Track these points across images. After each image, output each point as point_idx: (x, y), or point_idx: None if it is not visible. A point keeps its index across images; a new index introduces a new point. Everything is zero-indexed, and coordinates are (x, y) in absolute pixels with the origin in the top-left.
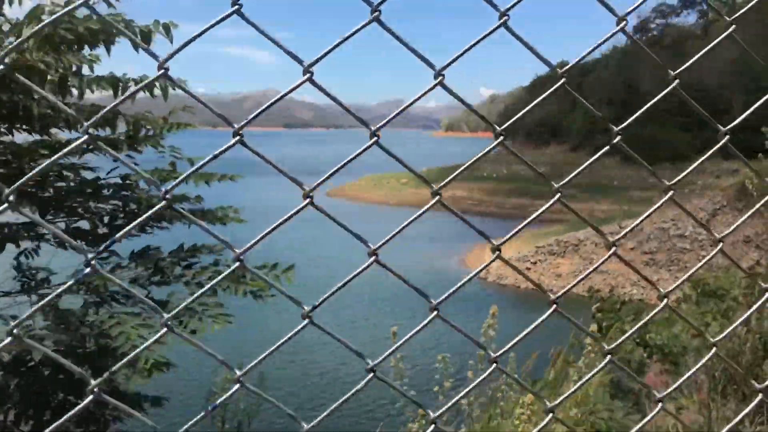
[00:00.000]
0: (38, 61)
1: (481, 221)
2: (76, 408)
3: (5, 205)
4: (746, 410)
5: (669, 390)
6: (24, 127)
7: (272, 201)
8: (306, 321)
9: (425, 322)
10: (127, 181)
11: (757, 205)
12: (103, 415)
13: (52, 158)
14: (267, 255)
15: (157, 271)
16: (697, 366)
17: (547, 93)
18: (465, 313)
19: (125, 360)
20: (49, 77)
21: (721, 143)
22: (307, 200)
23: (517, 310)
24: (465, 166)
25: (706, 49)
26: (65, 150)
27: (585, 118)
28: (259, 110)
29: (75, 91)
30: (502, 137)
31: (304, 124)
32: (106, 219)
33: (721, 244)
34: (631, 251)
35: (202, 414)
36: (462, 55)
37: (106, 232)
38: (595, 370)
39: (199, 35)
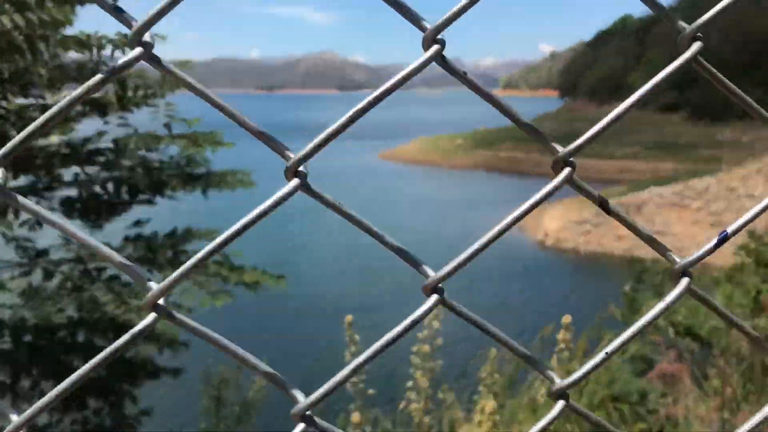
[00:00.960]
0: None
1: (541, 183)
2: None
3: None
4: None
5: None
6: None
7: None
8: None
9: None
10: (120, 145)
11: None
12: (121, 390)
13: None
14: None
15: (148, 254)
16: None
17: None
18: (524, 280)
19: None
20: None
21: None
22: None
23: (576, 276)
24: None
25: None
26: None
27: (649, 75)
28: None
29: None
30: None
31: (357, 85)
32: (110, 187)
33: None
34: (698, 212)
35: None
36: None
37: (109, 201)
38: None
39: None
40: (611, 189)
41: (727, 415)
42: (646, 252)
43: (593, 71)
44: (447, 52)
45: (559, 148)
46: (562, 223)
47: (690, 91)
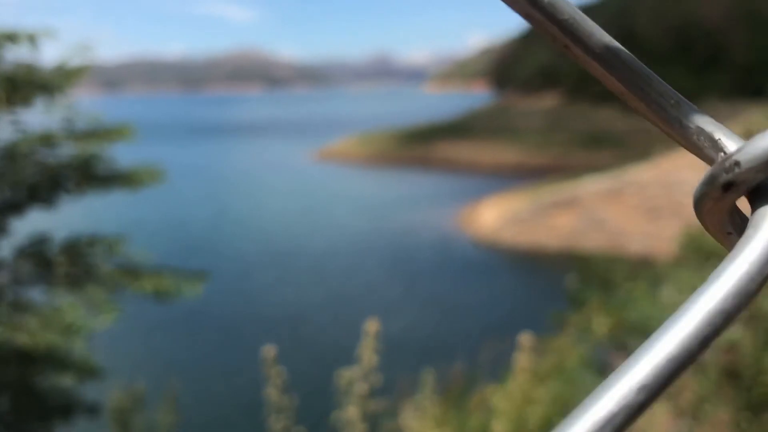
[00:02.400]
0: None
1: (475, 178)
2: None
3: None
4: None
5: None
6: None
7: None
8: None
9: None
10: (10, 152)
11: None
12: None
13: None
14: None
15: (42, 268)
16: None
17: None
18: (458, 275)
19: None
20: None
21: None
22: None
23: (514, 273)
24: None
25: None
26: None
27: (581, 67)
28: None
29: None
30: None
31: (285, 82)
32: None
33: None
34: (634, 201)
35: None
36: None
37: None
38: None
39: None
40: (548, 181)
41: (687, 424)
42: (582, 245)
43: (524, 64)
44: (375, 47)
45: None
46: (496, 218)
47: None
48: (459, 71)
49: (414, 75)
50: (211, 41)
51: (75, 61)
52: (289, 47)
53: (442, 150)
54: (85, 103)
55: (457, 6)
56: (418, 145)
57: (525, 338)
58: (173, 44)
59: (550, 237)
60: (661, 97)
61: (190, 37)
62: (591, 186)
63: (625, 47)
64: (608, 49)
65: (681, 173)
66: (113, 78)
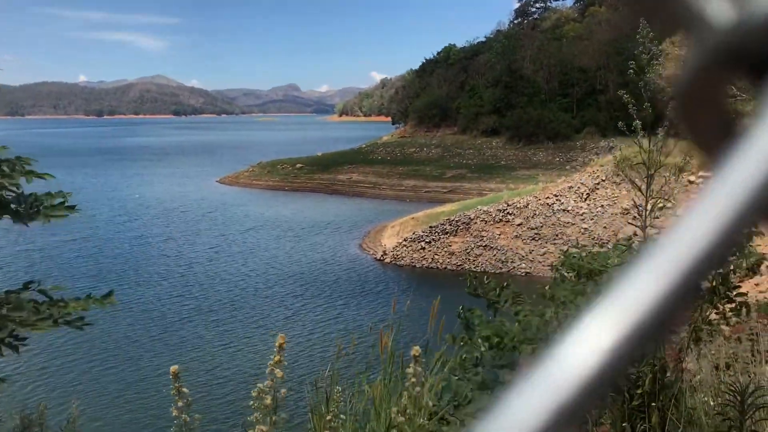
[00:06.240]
0: None
1: (378, 204)
2: None
3: None
4: None
5: None
6: None
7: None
8: None
9: None
10: None
11: None
12: None
13: None
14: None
15: None
16: None
17: None
18: (364, 294)
19: None
20: None
21: None
22: None
23: (412, 289)
24: None
25: None
26: None
27: (472, 102)
28: None
29: None
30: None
31: (194, 110)
32: None
33: None
34: (518, 227)
35: None
36: None
37: None
38: None
39: None
40: (444, 208)
41: None
42: (476, 266)
43: (421, 98)
44: (285, 82)
45: None
46: (398, 240)
47: (508, 116)
48: (361, 103)
49: (322, 106)
50: (122, 68)
51: None
52: (200, 76)
53: (345, 176)
54: None
55: (363, 47)
56: (323, 172)
57: (415, 349)
58: (79, 72)
59: (445, 257)
60: None
61: (100, 63)
62: (482, 212)
63: (513, 85)
64: None
65: (560, 200)
66: (17, 102)
